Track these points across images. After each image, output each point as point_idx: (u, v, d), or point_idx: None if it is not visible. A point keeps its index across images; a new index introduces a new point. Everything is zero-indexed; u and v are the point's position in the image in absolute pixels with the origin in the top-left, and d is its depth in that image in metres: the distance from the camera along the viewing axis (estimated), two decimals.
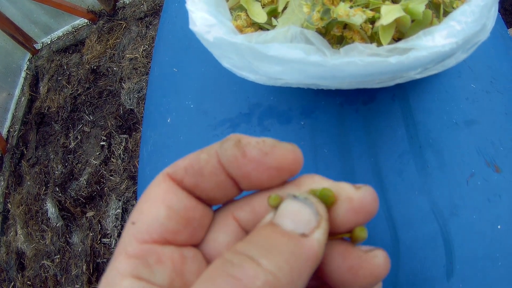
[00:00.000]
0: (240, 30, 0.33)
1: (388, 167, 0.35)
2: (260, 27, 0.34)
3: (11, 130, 1.63)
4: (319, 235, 0.14)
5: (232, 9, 0.35)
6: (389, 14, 0.25)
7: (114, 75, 1.49)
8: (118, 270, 0.14)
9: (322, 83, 0.25)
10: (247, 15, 0.33)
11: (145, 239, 0.15)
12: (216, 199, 0.17)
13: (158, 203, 0.15)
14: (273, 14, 0.33)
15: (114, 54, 1.55)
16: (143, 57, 1.45)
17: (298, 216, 0.14)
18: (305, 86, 0.28)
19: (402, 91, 0.37)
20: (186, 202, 0.16)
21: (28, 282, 1.21)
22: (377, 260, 0.15)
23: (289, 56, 0.23)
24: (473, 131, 0.36)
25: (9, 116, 1.68)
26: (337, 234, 0.16)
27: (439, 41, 0.23)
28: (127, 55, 1.49)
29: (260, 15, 0.32)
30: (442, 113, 0.37)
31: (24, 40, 1.77)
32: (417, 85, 0.38)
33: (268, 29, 0.33)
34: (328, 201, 0.15)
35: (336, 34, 0.29)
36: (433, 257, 0.32)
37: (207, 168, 0.16)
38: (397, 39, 0.29)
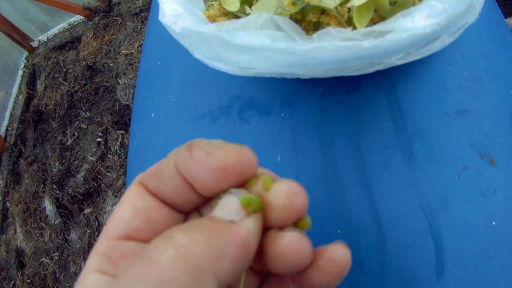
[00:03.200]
0: (213, 19, 0.31)
1: (373, 160, 0.33)
2: (235, 16, 0.32)
3: (9, 128, 1.63)
4: (248, 223, 0.14)
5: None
6: None
7: (110, 71, 1.48)
8: (87, 266, 0.16)
9: (294, 71, 0.24)
10: (220, 4, 0.31)
11: (111, 236, 0.16)
12: (178, 204, 0.17)
13: (125, 204, 0.17)
14: (248, 2, 0.32)
15: (110, 50, 1.53)
16: (138, 52, 1.43)
17: (228, 207, 0.15)
18: (279, 76, 0.26)
19: (388, 79, 0.35)
20: (149, 203, 0.16)
21: (27, 280, 1.21)
22: (281, 241, 0.15)
23: (255, 43, 0.22)
24: (465, 122, 0.34)
25: (7, 114, 1.68)
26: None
27: (418, 22, 0.21)
28: (123, 51, 1.47)
29: (233, 4, 0.30)
30: (432, 102, 0.35)
31: (20, 38, 1.76)
32: (404, 73, 0.36)
33: None
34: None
35: (312, 20, 0.27)
36: (422, 255, 0.30)
37: (166, 172, 0.16)
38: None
